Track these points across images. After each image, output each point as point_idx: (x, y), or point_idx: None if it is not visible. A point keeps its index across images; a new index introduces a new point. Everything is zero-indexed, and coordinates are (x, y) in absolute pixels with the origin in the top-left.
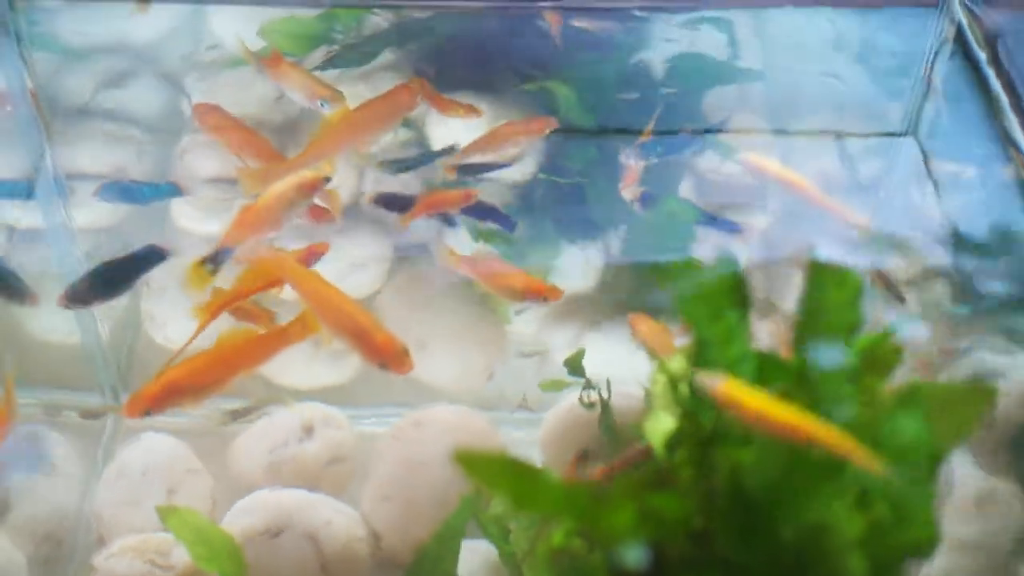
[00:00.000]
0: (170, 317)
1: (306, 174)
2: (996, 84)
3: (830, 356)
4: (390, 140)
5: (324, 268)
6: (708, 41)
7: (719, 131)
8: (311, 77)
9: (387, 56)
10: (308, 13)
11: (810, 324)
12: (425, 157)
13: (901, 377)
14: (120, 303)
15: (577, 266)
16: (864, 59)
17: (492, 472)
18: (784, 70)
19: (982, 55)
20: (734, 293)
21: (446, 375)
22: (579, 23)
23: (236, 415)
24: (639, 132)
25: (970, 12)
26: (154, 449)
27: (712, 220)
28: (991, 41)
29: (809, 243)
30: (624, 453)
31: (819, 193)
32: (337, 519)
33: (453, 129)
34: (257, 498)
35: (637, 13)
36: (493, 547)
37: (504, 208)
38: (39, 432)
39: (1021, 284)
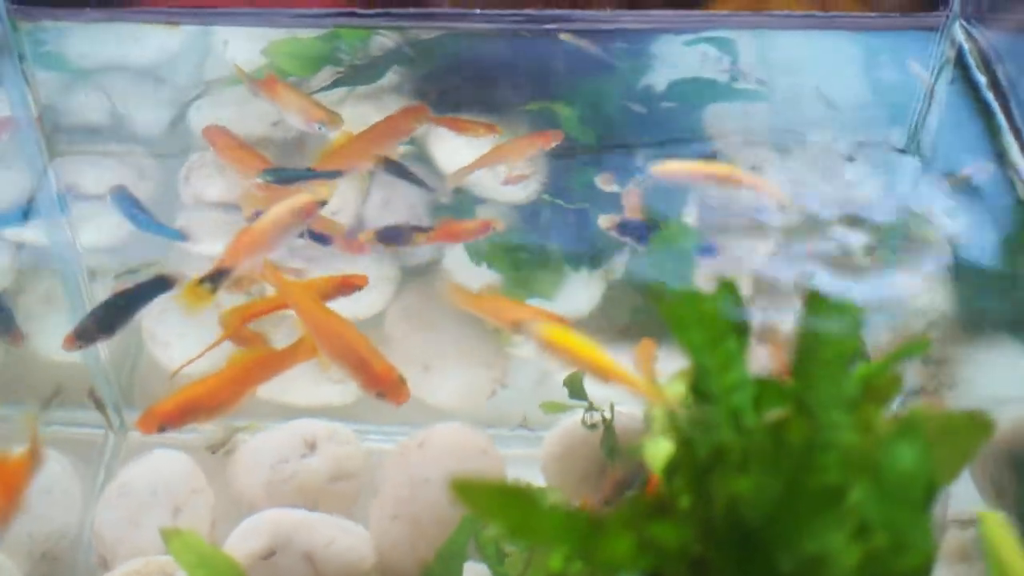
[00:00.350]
0: (173, 336)
1: (303, 197)
2: (996, 107)
3: (829, 385)
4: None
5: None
6: (711, 62)
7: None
8: (307, 99)
9: (392, 77)
10: (313, 33)
11: (808, 352)
12: (307, 173)
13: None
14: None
15: (580, 288)
16: (865, 81)
17: (488, 501)
18: (785, 92)
19: (982, 78)
20: (732, 319)
21: (450, 395)
22: (580, 44)
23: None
24: (642, 153)
25: (970, 35)
26: (157, 467)
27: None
28: (990, 64)
29: (810, 268)
30: (614, 477)
31: (743, 175)
32: (340, 538)
33: (456, 146)
34: (259, 520)
35: (640, 34)
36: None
37: (506, 229)
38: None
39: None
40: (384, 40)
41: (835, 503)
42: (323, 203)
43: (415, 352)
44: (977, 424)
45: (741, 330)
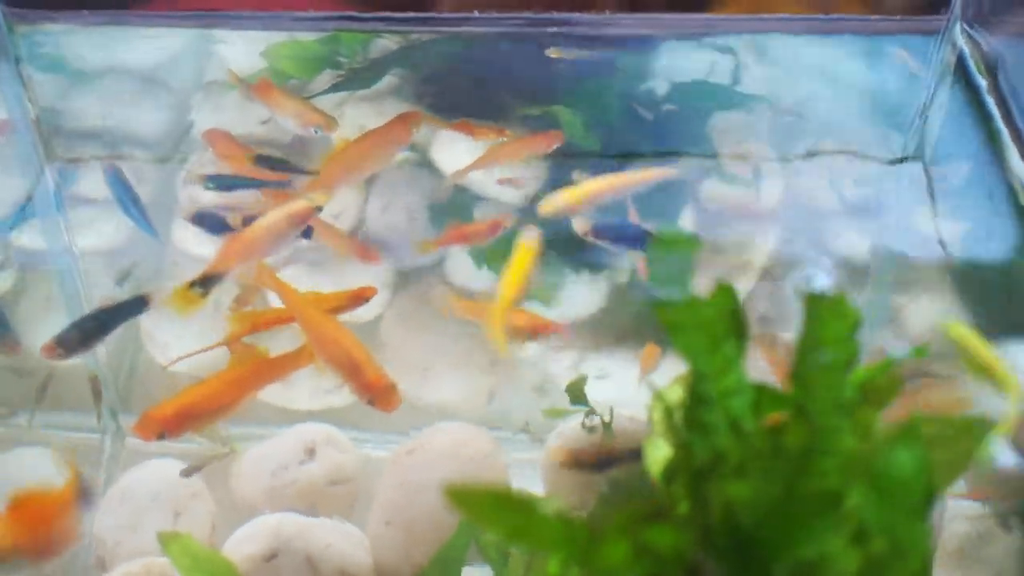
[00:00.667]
0: (172, 338)
1: (298, 204)
2: (995, 111)
3: (827, 389)
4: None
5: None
6: (712, 67)
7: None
8: (303, 103)
9: (392, 80)
10: (313, 36)
11: (807, 356)
12: (252, 181)
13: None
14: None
15: (581, 292)
16: (865, 84)
17: (484, 507)
18: (787, 96)
19: (982, 82)
20: (731, 324)
21: (448, 398)
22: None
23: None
24: (642, 157)
25: (971, 38)
26: (158, 473)
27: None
28: (991, 68)
29: (809, 274)
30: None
31: (632, 175)
32: (338, 542)
33: (457, 150)
34: (257, 524)
35: (641, 38)
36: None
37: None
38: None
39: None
40: (384, 43)
41: (833, 508)
42: (318, 209)
43: (412, 356)
44: (976, 427)
45: (739, 334)
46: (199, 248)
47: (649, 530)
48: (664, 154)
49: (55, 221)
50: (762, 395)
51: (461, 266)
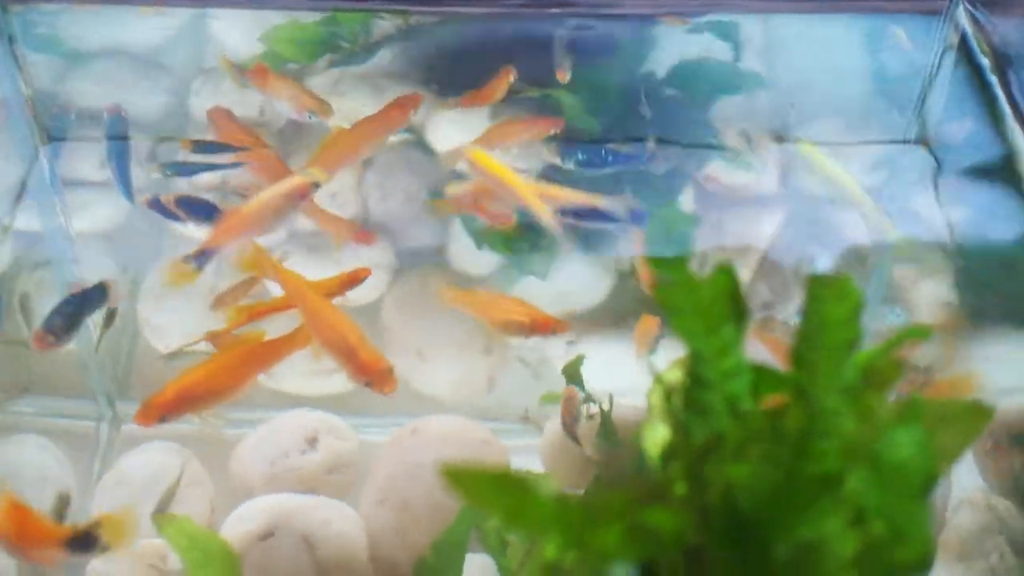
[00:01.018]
0: (168, 323)
1: (296, 179)
2: (999, 92)
3: (828, 371)
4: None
5: (329, 272)
6: (713, 47)
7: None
8: (298, 88)
9: (392, 62)
10: (311, 18)
11: (809, 338)
12: (209, 165)
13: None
14: (118, 308)
15: (583, 274)
16: (869, 66)
17: (479, 487)
18: (789, 76)
19: (986, 63)
20: (730, 305)
21: (446, 384)
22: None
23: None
24: (645, 138)
25: (974, 19)
26: (155, 458)
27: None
28: (994, 49)
29: (812, 254)
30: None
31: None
32: (336, 521)
33: (453, 132)
34: (255, 504)
35: (643, 19)
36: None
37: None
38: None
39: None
40: (384, 24)
41: (833, 490)
42: (316, 185)
43: (412, 340)
44: (976, 412)
45: (739, 316)
46: (196, 231)
47: (646, 512)
48: (664, 136)
49: (51, 203)
50: (762, 377)
51: (462, 249)
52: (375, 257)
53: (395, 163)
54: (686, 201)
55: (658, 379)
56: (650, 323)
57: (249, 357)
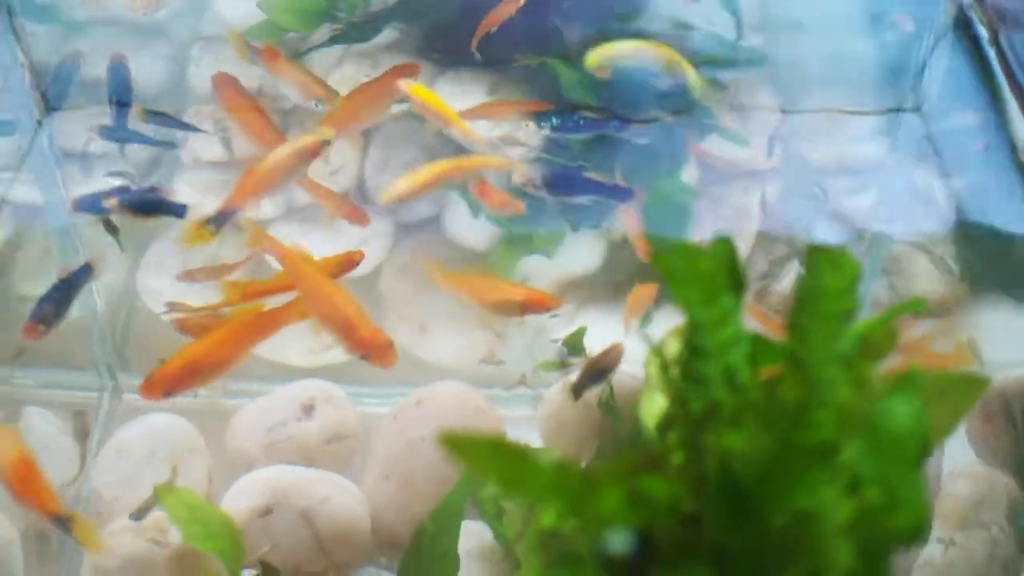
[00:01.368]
0: (169, 291)
1: (307, 138)
2: (996, 64)
3: (824, 341)
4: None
5: (326, 246)
6: (713, 18)
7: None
8: (307, 74)
9: (391, 33)
10: None
11: (805, 308)
12: (143, 137)
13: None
14: (116, 277)
15: (580, 247)
16: (869, 36)
17: (479, 454)
18: (787, 49)
19: (983, 33)
20: (728, 276)
21: (447, 353)
22: None
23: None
24: (642, 111)
25: None
26: (154, 429)
27: (602, 188)
28: (993, 20)
29: (808, 226)
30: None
31: (473, 160)
32: (336, 495)
33: (451, 104)
34: (255, 477)
35: None
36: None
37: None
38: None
39: None
40: None
41: (828, 459)
42: (327, 143)
43: (410, 310)
44: (971, 383)
45: (737, 286)
46: (199, 202)
47: (643, 479)
48: (662, 108)
49: (50, 173)
50: (759, 347)
51: (459, 219)
52: (374, 227)
53: (394, 134)
54: (687, 175)
55: (655, 349)
56: (642, 293)
57: (249, 328)
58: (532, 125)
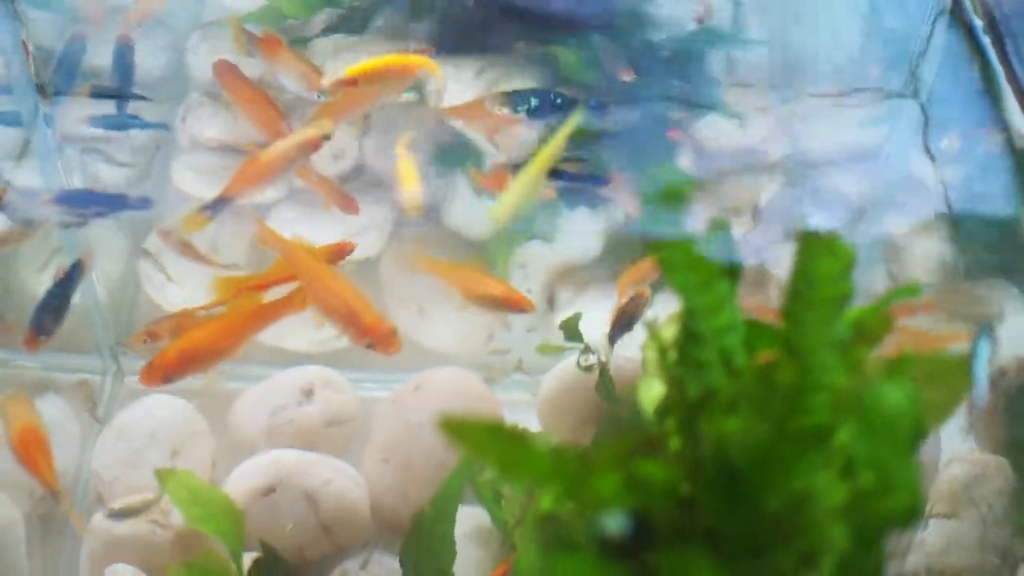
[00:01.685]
0: (168, 278)
1: (308, 131)
2: (991, 52)
3: (819, 327)
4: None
5: (326, 232)
6: (712, 5)
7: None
8: (309, 65)
9: (392, 20)
10: None
11: (800, 293)
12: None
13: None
14: (118, 265)
15: (580, 232)
16: (866, 23)
17: (477, 438)
18: (785, 36)
19: (979, 23)
20: (724, 260)
21: (446, 339)
22: None
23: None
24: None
25: None
26: (155, 411)
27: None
28: (988, 10)
29: (805, 212)
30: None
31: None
32: (337, 479)
33: (453, 92)
34: (257, 460)
35: None
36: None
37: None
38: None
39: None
40: None
41: (822, 443)
42: (326, 137)
43: (410, 295)
44: (966, 367)
45: (732, 272)
46: (198, 187)
47: (640, 463)
48: (661, 94)
49: (51, 160)
50: (755, 332)
51: (461, 204)
52: (374, 215)
53: (395, 120)
54: (684, 161)
55: (653, 334)
56: (638, 269)
57: (249, 318)
58: (507, 109)
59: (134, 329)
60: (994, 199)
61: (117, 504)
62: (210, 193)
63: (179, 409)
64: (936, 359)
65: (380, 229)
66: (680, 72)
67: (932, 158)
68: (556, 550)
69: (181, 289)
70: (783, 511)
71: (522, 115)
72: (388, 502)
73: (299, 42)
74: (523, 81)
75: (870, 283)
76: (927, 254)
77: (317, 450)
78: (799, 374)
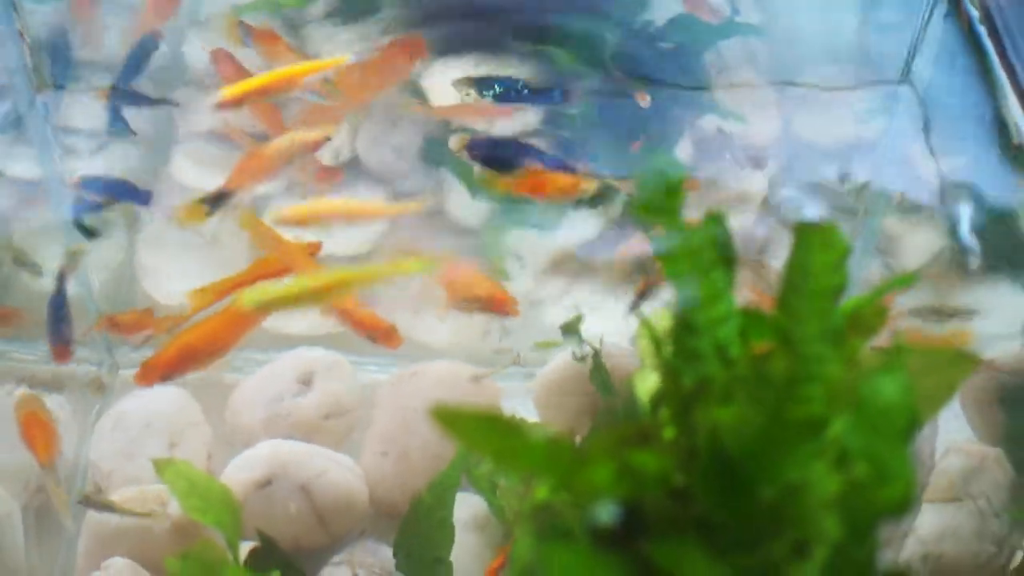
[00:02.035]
0: (166, 271)
1: (311, 132)
2: (988, 42)
3: (814, 317)
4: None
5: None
6: None
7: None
8: (307, 65)
9: (390, 12)
10: None
11: (795, 285)
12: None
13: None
14: (114, 256)
15: (575, 223)
16: (862, 12)
17: (471, 429)
18: (781, 26)
19: (975, 13)
20: (720, 252)
21: (442, 331)
22: None
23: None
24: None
25: None
26: (153, 401)
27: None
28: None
29: (802, 203)
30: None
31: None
32: (333, 469)
33: (448, 83)
34: (255, 451)
35: None
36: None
37: None
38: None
39: None
40: None
41: (817, 434)
42: (328, 139)
43: (406, 289)
44: (962, 359)
45: (728, 262)
46: (196, 179)
47: (634, 453)
48: (660, 87)
49: (48, 151)
50: (750, 322)
51: (455, 198)
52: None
53: (389, 111)
54: (683, 152)
55: (647, 325)
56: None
57: (243, 314)
58: (475, 95)
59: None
60: (989, 189)
61: (101, 496)
62: (208, 184)
63: (176, 399)
64: (931, 350)
65: (376, 223)
66: (677, 64)
67: (929, 149)
68: (551, 539)
69: (179, 283)
70: (777, 501)
71: (488, 99)
72: (386, 492)
73: (293, 30)
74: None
75: (867, 274)
76: (923, 245)
77: (315, 440)
78: (794, 365)
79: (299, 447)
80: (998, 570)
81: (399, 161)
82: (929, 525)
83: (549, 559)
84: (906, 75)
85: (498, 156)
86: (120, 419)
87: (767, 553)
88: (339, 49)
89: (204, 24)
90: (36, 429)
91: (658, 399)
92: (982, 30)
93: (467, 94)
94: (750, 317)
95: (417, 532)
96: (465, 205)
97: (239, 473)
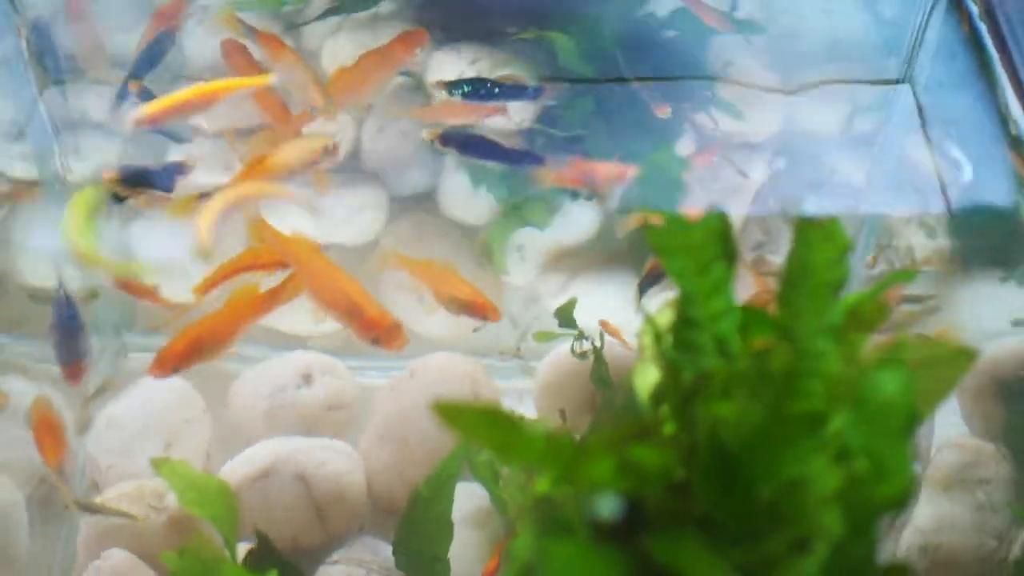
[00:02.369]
0: (170, 268)
1: (316, 141)
2: (987, 38)
3: (814, 313)
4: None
5: (320, 221)
6: None
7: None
8: (311, 76)
9: (389, 4)
10: None
11: (795, 280)
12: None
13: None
14: (118, 254)
15: (575, 218)
16: (863, 9)
17: (472, 423)
18: (782, 21)
19: (975, 8)
20: (720, 246)
21: (442, 324)
22: None
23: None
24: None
25: None
26: (151, 395)
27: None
28: None
29: (801, 198)
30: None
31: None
32: (332, 461)
33: (451, 75)
34: (252, 451)
35: None
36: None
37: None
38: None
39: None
40: None
41: (817, 429)
42: (336, 147)
43: (408, 281)
44: (960, 355)
45: (728, 257)
46: (195, 176)
47: (634, 448)
48: (660, 79)
49: (49, 147)
50: (750, 317)
51: (456, 191)
52: (369, 199)
53: (391, 102)
54: (683, 146)
55: (649, 320)
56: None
57: (247, 307)
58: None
59: (135, 310)
60: (990, 186)
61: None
62: (210, 181)
63: (176, 391)
64: (930, 345)
65: (375, 213)
66: (677, 57)
67: (929, 145)
68: (551, 533)
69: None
70: (777, 496)
71: (457, 98)
72: (385, 484)
73: (292, 27)
74: (514, 69)
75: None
76: (923, 242)
77: (317, 433)
78: (794, 360)
79: (298, 440)
80: (998, 563)
81: (402, 154)
82: (927, 516)
83: (549, 553)
84: (906, 71)
85: (470, 146)
86: (119, 413)
87: (767, 548)
88: (338, 44)
89: (204, 18)
90: (47, 434)
91: (658, 394)
92: (982, 26)
93: (442, 94)
94: (750, 312)
95: (416, 529)
96: (464, 201)
97: (236, 469)
